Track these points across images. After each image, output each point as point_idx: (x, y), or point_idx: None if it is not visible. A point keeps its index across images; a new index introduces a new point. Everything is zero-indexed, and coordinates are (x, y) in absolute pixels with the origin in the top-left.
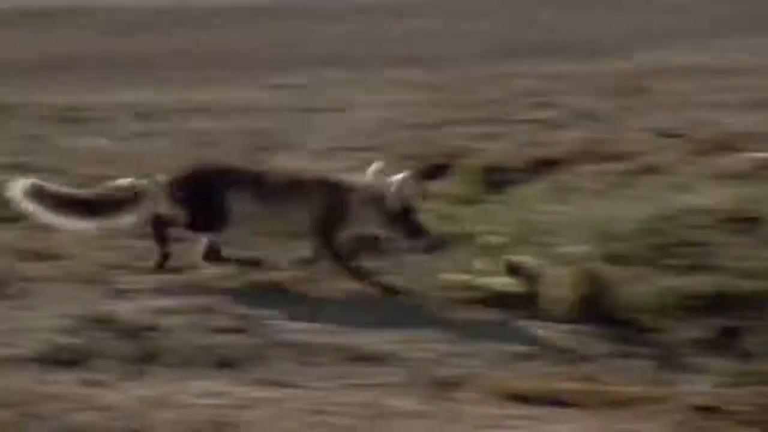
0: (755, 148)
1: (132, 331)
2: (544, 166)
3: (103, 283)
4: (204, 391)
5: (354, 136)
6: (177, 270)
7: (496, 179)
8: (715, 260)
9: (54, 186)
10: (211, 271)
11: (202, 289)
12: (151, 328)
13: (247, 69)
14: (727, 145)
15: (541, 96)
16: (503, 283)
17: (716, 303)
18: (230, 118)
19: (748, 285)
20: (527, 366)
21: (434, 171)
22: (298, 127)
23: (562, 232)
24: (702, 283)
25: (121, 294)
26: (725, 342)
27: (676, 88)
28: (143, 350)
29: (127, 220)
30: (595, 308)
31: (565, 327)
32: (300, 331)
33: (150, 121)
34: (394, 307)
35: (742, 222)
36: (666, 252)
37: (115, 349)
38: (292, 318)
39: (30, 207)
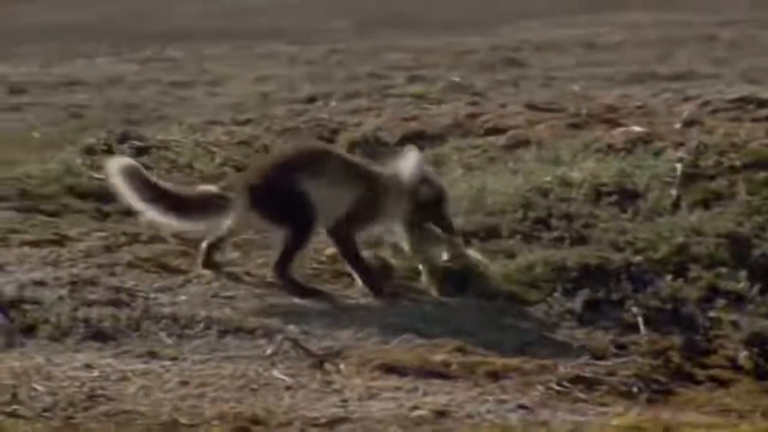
0: (627, 122)
1: (8, 304)
2: (419, 139)
3: None
4: (79, 364)
5: (228, 110)
6: (55, 242)
7: (371, 153)
8: (589, 233)
9: (151, 175)
10: (86, 244)
11: (79, 261)
12: (28, 301)
13: (115, 42)
14: (600, 118)
15: (415, 70)
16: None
17: (589, 275)
18: (101, 92)
19: (620, 257)
20: (400, 338)
21: None
22: (171, 101)
23: None
24: (575, 255)
25: None
26: (598, 314)
27: (549, 63)
28: (19, 323)
29: (205, 226)
30: (463, 283)
31: (438, 299)
32: (175, 303)
33: (19, 94)
34: (269, 280)
35: (616, 195)
36: (539, 225)
37: None
38: (168, 291)
39: (121, 186)
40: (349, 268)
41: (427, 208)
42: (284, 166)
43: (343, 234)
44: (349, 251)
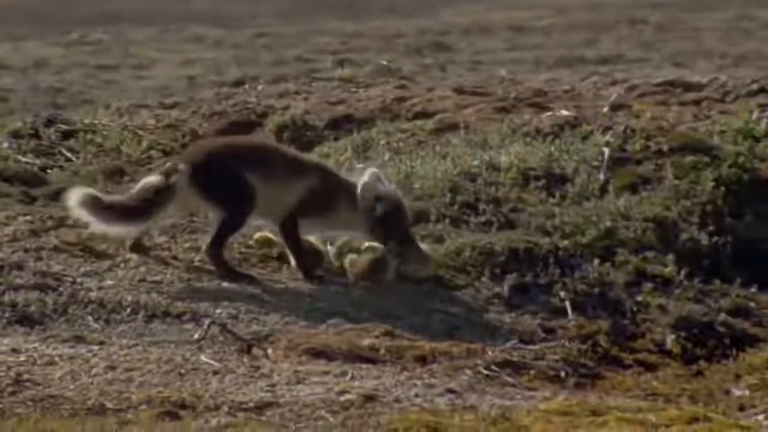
0: (555, 106)
1: None
2: (347, 123)
3: None
4: (5, 348)
5: (155, 93)
6: None
7: (300, 136)
8: (516, 217)
9: (107, 196)
10: (12, 228)
11: (5, 246)
12: None
13: (40, 25)
14: (527, 102)
15: (343, 54)
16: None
17: (517, 259)
18: (27, 75)
19: (548, 242)
20: (328, 323)
21: (238, 129)
22: (97, 84)
23: None
24: (503, 239)
25: None
26: (526, 298)
27: (477, 46)
28: None
29: (165, 214)
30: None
31: (366, 284)
32: (102, 288)
33: None
34: (197, 265)
35: (543, 179)
36: (467, 209)
37: None
38: (94, 275)
39: (84, 216)
40: (288, 251)
41: (384, 224)
42: (233, 151)
43: (289, 222)
44: (291, 236)
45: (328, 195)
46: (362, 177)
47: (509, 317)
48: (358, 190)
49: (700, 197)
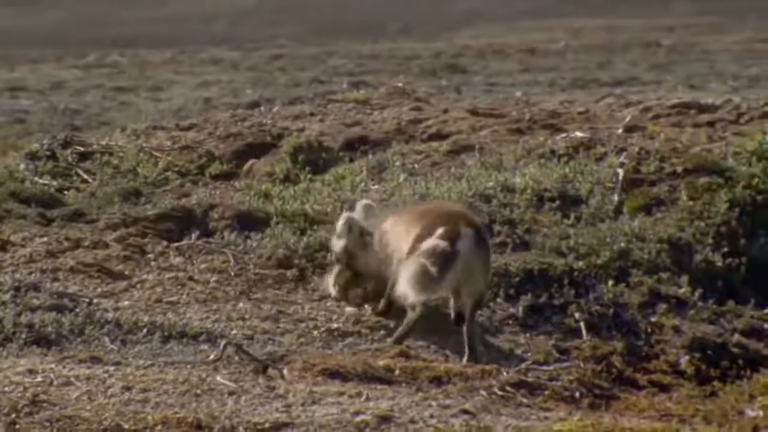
0: (569, 127)
1: None
2: (362, 145)
3: None
4: (22, 369)
5: (171, 115)
6: None
7: (316, 158)
8: (531, 238)
9: None
10: (29, 249)
11: (22, 267)
12: None
13: (57, 48)
14: (542, 124)
15: (358, 75)
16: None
17: (532, 280)
18: (45, 97)
19: (562, 263)
20: (343, 343)
21: (254, 150)
22: (114, 106)
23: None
24: (517, 260)
25: None
26: (541, 319)
27: (492, 69)
28: None
29: None
30: None
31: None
32: (118, 309)
33: None
34: (213, 286)
35: (558, 200)
36: None
37: None
38: (111, 296)
39: None
40: None
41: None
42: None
43: None
44: None
45: None
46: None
47: (524, 338)
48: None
49: (714, 219)
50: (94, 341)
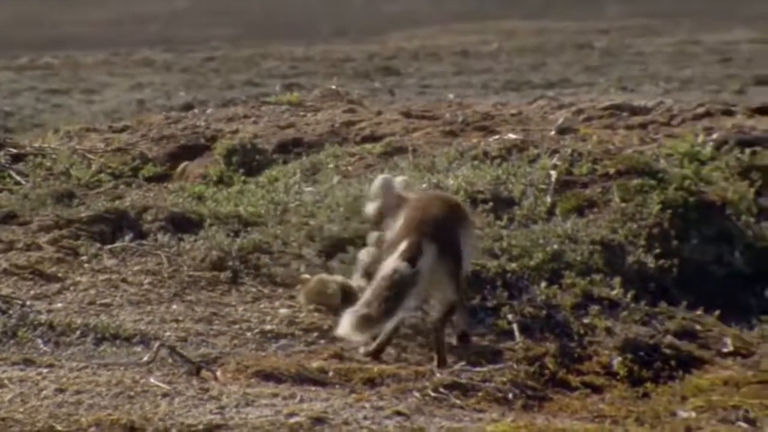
0: (502, 129)
1: None
2: (296, 147)
3: None
4: None
5: (105, 117)
6: None
7: (249, 160)
8: None
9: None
10: None
11: None
12: None
13: None
14: (475, 126)
15: (292, 78)
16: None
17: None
18: None
19: (495, 264)
20: (277, 345)
21: (187, 152)
22: (48, 108)
23: (312, 212)
24: None
25: None
26: (474, 320)
27: (425, 71)
28: None
29: None
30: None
31: (313, 306)
32: (51, 311)
33: None
34: (147, 288)
35: (491, 202)
36: None
37: None
38: (44, 298)
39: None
40: None
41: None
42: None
43: None
44: None
45: None
46: None
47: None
48: None
49: (647, 220)
50: (27, 343)
